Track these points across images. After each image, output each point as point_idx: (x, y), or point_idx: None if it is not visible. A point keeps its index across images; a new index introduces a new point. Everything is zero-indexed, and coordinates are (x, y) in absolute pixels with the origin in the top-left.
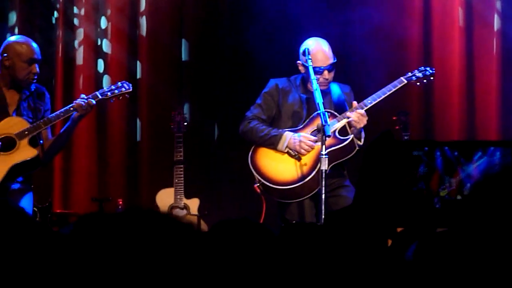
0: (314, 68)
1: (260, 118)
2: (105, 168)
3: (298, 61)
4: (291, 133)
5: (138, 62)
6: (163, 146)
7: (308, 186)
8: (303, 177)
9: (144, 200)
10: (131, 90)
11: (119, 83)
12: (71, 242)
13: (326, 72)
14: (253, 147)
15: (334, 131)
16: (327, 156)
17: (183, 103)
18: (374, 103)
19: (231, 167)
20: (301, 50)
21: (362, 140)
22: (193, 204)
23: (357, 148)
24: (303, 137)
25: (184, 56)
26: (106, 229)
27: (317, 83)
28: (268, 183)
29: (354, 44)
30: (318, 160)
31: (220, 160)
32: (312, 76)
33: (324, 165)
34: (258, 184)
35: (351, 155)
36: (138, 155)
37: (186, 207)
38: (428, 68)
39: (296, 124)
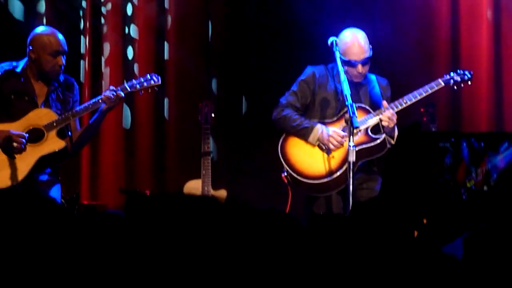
0: (349, 61)
1: (294, 106)
2: (132, 159)
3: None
4: (323, 126)
5: (165, 44)
6: (191, 137)
7: (337, 181)
8: (332, 172)
9: (171, 191)
10: (159, 83)
11: (148, 75)
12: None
13: (360, 66)
14: (284, 136)
15: (367, 128)
16: (354, 147)
17: (210, 89)
18: (408, 104)
19: (259, 158)
20: (340, 42)
21: (395, 139)
22: (221, 195)
23: (388, 147)
24: (334, 132)
25: (211, 39)
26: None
27: (351, 75)
28: (296, 175)
29: (382, 36)
30: (348, 156)
31: (248, 150)
32: (340, 67)
33: (352, 157)
34: (286, 174)
35: (381, 153)
36: (165, 145)
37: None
38: (466, 72)
39: (329, 114)
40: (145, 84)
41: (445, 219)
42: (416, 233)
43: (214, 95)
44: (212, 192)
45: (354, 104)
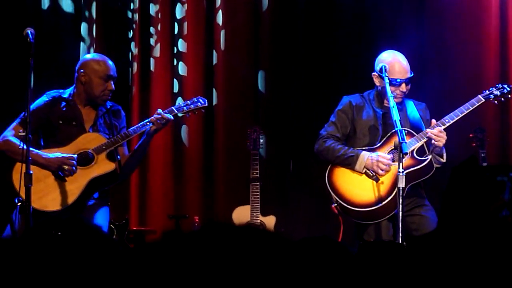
0: (391, 80)
1: (335, 137)
2: (181, 185)
3: (374, 73)
4: (368, 152)
5: (214, 90)
6: (240, 164)
7: (387, 207)
8: (381, 199)
9: (220, 217)
10: (206, 105)
11: (195, 98)
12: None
13: (403, 85)
14: (329, 167)
15: (412, 151)
16: (404, 173)
17: (259, 122)
18: (452, 122)
19: (309, 185)
20: (377, 64)
21: (445, 157)
22: (270, 221)
23: (435, 167)
24: (380, 156)
25: (260, 86)
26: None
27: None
28: (345, 204)
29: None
30: (396, 181)
31: (297, 178)
32: (389, 93)
33: (402, 183)
34: (336, 205)
35: (429, 175)
36: (214, 172)
37: (262, 224)
38: (505, 86)
39: (372, 141)
40: (192, 106)
41: (506, 256)
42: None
43: (264, 120)
44: (261, 218)
45: (404, 130)
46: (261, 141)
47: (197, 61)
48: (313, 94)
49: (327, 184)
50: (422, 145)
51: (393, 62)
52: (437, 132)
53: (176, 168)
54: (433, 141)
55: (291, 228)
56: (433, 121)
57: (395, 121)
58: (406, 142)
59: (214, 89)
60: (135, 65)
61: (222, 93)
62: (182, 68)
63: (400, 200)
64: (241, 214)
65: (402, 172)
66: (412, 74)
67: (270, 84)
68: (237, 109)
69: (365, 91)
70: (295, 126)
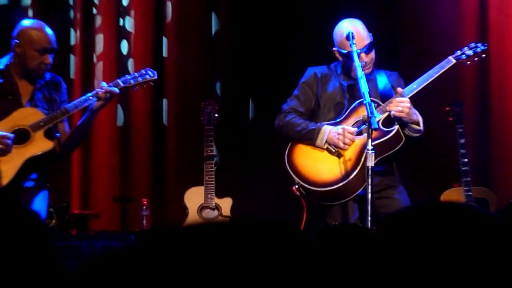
0: (350, 52)
1: (298, 111)
2: (128, 164)
3: (334, 48)
4: (330, 126)
5: (164, 39)
6: (192, 140)
7: (352, 185)
8: (346, 175)
9: (171, 200)
10: (156, 77)
11: (143, 70)
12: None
13: (363, 55)
14: (289, 145)
15: (378, 122)
16: (373, 151)
17: (214, 89)
18: (418, 89)
19: (268, 163)
20: (338, 35)
21: (421, 124)
22: (225, 204)
23: (403, 138)
24: (343, 129)
25: (214, 31)
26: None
27: (355, 69)
28: (307, 185)
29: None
30: (361, 155)
31: (255, 155)
32: (357, 62)
33: (371, 162)
34: (297, 186)
35: (397, 147)
36: (164, 150)
37: (217, 207)
38: (479, 44)
39: (336, 114)
40: (139, 79)
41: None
42: None
43: (218, 95)
44: (216, 200)
45: (372, 104)
46: (216, 115)
47: (146, 18)
48: (276, 63)
49: (287, 164)
50: (390, 115)
51: (344, 32)
52: (395, 102)
53: (122, 145)
54: (392, 112)
55: (249, 212)
56: (399, 89)
57: (363, 93)
58: (375, 116)
59: (163, 48)
60: (77, 32)
61: (173, 58)
62: (129, 27)
63: (369, 180)
64: (195, 196)
65: (372, 149)
66: (372, 40)
67: (229, 49)
68: (189, 79)
69: (332, 63)
70: (256, 98)
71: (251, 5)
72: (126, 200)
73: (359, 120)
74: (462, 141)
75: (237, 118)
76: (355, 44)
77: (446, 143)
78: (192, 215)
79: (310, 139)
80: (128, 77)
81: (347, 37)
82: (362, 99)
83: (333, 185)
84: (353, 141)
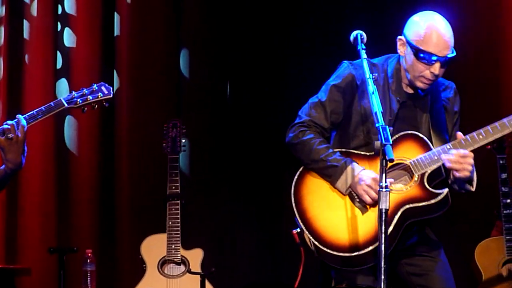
0: (422, 52)
1: (320, 127)
2: (67, 206)
3: (400, 37)
4: (359, 169)
5: (115, 72)
6: (152, 174)
7: (375, 252)
8: (370, 240)
9: (124, 251)
10: (111, 96)
11: (95, 85)
12: None
13: (437, 65)
14: (300, 171)
15: (422, 175)
16: (388, 190)
17: (180, 107)
18: (489, 140)
19: (250, 202)
20: (409, 28)
21: (475, 184)
22: (194, 257)
23: (450, 204)
24: (373, 180)
25: (183, 68)
26: None
27: (413, 79)
28: (314, 240)
29: None
30: (394, 214)
31: (234, 191)
32: (367, 73)
33: (385, 203)
34: (299, 230)
35: (441, 212)
36: (115, 187)
37: (184, 261)
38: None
39: (367, 143)
40: (90, 97)
41: None
42: None
43: (186, 114)
44: (182, 252)
45: (388, 127)
46: (183, 140)
47: (91, 27)
48: (255, 75)
49: (293, 200)
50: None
51: (430, 29)
52: (456, 159)
53: (60, 181)
54: (452, 171)
55: (226, 267)
56: (459, 134)
57: (375, 113)
58: (391, 144)
59: (115, 70)
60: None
61: (126, 74)
62: (68, 37)
63: (382, 227)
64: (154, 246)
65: (386, 187)
66: (454, 53)
67: (196, 65)
68: (148, 97)
69: (382, 58)
70: (230, 121)
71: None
72: (64, 251)
73: (400, 164)
74: (504, 175)
75: (209, 142)
76: (364, 49)
77: (483, 177)
78: (151, 271)
79: (330, 176)
80: (74, 94)
81: (355, 40)
82: (408, 131)
83: (350, 252)
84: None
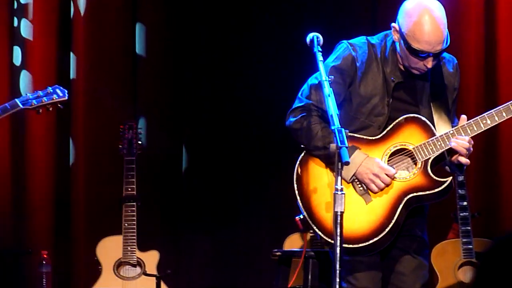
0: (414, 50)
1: (321, 109)
2: (22, 207)
3: (393, 24)
4: (363, 155)
5: (72, 55)
6: (107, 175)
7: (381, 241)
8: (376, 231)
9: (80, 253)
10: (66, 98)
11: (50, 88)
12: None
13: (430, 59)
14: (301, 158)
15: (426, 161)
16: (343, 193)
17: (136, 114)
18: (490, 126)
19: (207, 204)
20: (401, 16)
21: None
22: (150, 259)
23: (452, 189)
24: (380, 168)
25: (138, 49)
26: None
27: (407, 66)
28: (319, 231)
29: None
30: (398, 203)
31: (190, 194)
32: (324, 75)
33: (340, 206)
34: (302, 217)
35: (443, 198)
36: (70, 188)
37: (140, 263)
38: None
39: (368, 126)
40: (45, 99)
41: None
42: None
43: (141, 117)
44: (138, 254)
45: (343, 130)
46: (140, 142)
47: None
48: (220, 65)
49: (295, 184)
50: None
51: (422, 22)
52: (464, 144)
53: (16, 184)
54: (458, 156)
55: (182, 268)
56: (463, 117)
57: (331, 116)
58: (347, 147)
59: (71, 58)
60: None
61: (82, 65)
62: (25, 28)
63: (337, 230)
64: (110, 248)
65: (341, 191)
66: (447, 45)
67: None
68: (107, 79)
69: (378, 36)
70: (192, 116)
71: (186, 11)
72: (19, 253)
73: (404, 150)
74: (461, 178)
75: (166, 145)
76: (320, 52)
77: None
78: (107, 273)
79: (333, 164)
80: (29, 96)
81: (311, 42)
82: (410, 114)
83: (357, 243)
84: (387, 185)
